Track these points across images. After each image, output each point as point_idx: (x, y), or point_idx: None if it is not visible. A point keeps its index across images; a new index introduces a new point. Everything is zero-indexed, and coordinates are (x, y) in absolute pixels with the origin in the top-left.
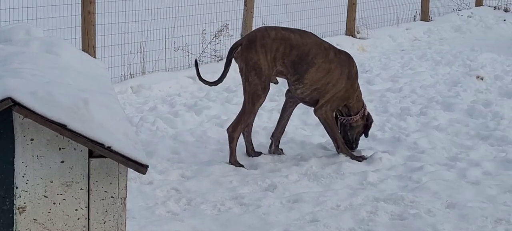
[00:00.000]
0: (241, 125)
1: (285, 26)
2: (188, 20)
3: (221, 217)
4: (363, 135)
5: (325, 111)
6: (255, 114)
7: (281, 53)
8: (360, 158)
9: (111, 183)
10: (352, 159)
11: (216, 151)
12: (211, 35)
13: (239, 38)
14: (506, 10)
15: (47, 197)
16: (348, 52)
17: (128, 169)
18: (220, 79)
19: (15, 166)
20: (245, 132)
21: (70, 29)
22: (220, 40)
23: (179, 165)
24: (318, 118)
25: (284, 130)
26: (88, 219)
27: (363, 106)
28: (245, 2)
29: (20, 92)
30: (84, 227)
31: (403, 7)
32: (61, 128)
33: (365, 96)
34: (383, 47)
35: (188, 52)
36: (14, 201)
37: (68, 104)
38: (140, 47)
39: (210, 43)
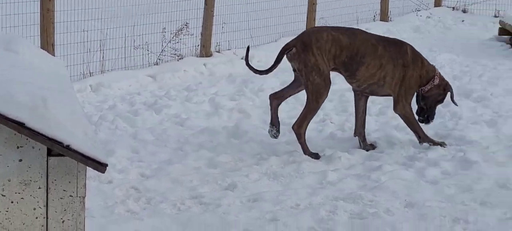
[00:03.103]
0: (306, 122)
1: (334, 26)
2: (148, 19)
3: (181, 216)
4: (452, 102)
5: (403, 107)
6: (318, 110)
7: (333, 54)
8: (442, 143)
9: (70, 182)
10: (434, 145)
11: (176, 150)
12: (171, 34)
13: (291, 39)
14: (464, 11)
15: (4, 195)
16: (401, 40)
17: (87, 167)
18: (270, 69)
19: None
20: (273, 103)
21: (29, 27)
22: (180, 39)
23: (139, 164)
24: (398, 114)
25: (364, 123)
26: (47, 218)
27: (434, 75)
28: (205, 1)
29: None
30: (42, 226)
31: (363, 7)
32: (19, 126)
33: None
34: None
35: (148, 50)
36: None
37: (26, 103)
38: (100, 46)
39: (170, 42)
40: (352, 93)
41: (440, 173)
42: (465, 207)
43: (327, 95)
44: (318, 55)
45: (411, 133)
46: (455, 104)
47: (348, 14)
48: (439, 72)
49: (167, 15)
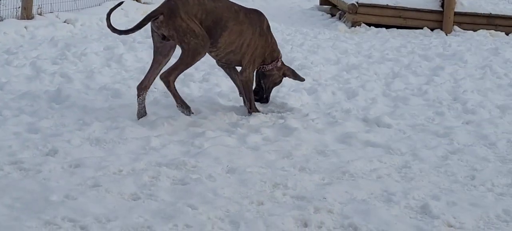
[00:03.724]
0: (177, 72)
1: None
2: None
3: None
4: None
5: (248, 74)
6: (190, 67)
7: (199, 19)
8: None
9: None
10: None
11: None
12: None
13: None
14: None
15: None
16: (258, 9)
17: None
18: (133, 29)
19: None
20: (142, 95)
21: None
22: (0, 1)
23: None
24: (242, 80)
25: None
26: None
27: (278, 58)
28: None
29: None
30: None
31: None
32: None
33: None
34: None
35: None
36: None
37: None
38: None
39: None
40: (176, 60)
41: (261, 139)
42: (285, 172)
43: (204, 55)
44: (188, 19)
45: (236, 99)
46: (302, 79)
47: None
48: (281, 57)
49: None
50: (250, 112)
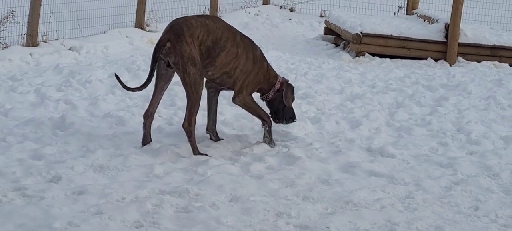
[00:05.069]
0: (194, 116)
1: (193, 15)
2: None
3: (3, 208)
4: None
5: (242, 98)
6: (200, 100)
7: (200, 40)
8: (271, 143)
9: None
10: (269, 141)
11: None
12: None
13: (163, 34)
14: (291, 10)
15: None
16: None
17: None
18: (148, 81)
19: None
20: (147, 122)
21: None
22: (6, 27)
23: None
24: (237, 105)
25: (216, 120)
26: None
27: (276, 81)
28: None
29: None
30: None
31: (193, 2)
32: None
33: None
34: None
35: None
36: None
37: None
38: None
39: None
40: (181, 87)
41: (265, 168)
42: (288, 201)
43: (203, 84)
44: (191, 44)
45: (240, 128)
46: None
47: (178, 8)
48: (282, 78)
49: None
50: (264, 125)
